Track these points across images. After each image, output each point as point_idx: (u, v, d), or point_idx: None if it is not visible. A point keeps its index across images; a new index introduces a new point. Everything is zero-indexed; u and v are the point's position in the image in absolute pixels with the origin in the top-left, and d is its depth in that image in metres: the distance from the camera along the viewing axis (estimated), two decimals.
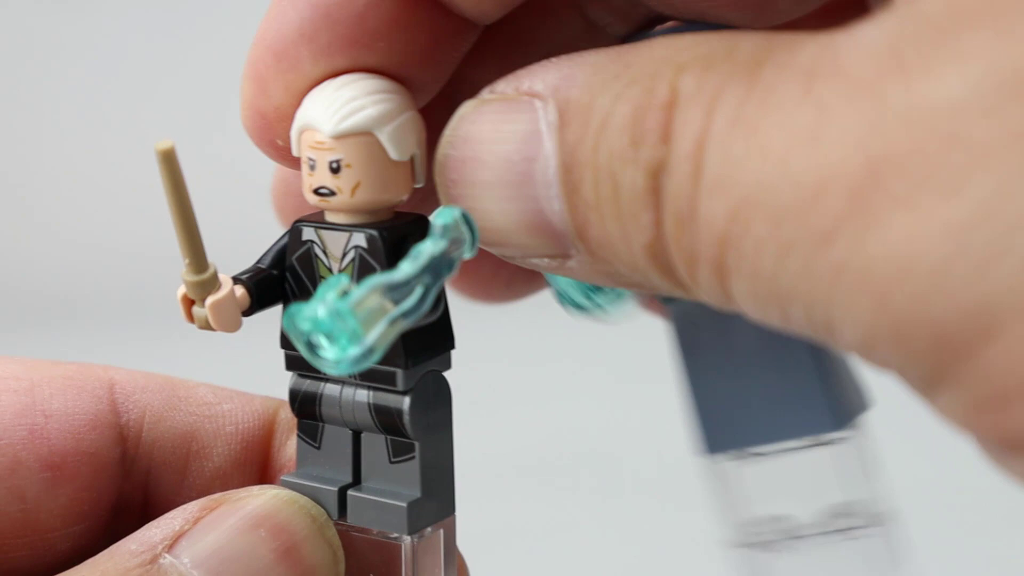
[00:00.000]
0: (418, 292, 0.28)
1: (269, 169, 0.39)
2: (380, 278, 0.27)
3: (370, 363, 0.27)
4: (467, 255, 0.29)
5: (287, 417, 0.34)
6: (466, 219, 0.28)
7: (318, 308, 0.27)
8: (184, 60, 1.34)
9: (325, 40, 0.30)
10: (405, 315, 0.27)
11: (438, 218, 0.28)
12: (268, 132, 0.31)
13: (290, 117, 0.30)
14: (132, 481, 0.33)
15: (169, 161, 0.28)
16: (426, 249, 0.28)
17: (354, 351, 0.27)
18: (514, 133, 0.27)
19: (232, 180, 1.18)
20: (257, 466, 0.34)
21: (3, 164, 1.39)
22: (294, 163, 0.31)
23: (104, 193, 1.34)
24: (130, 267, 1.26)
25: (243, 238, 0.33)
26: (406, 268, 0.28)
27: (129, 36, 1.38)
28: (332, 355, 0.27)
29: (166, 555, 0.29)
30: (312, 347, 0.27)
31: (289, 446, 0.34)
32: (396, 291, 0.27)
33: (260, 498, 0.31)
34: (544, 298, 0.36)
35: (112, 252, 1.31)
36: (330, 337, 0.27)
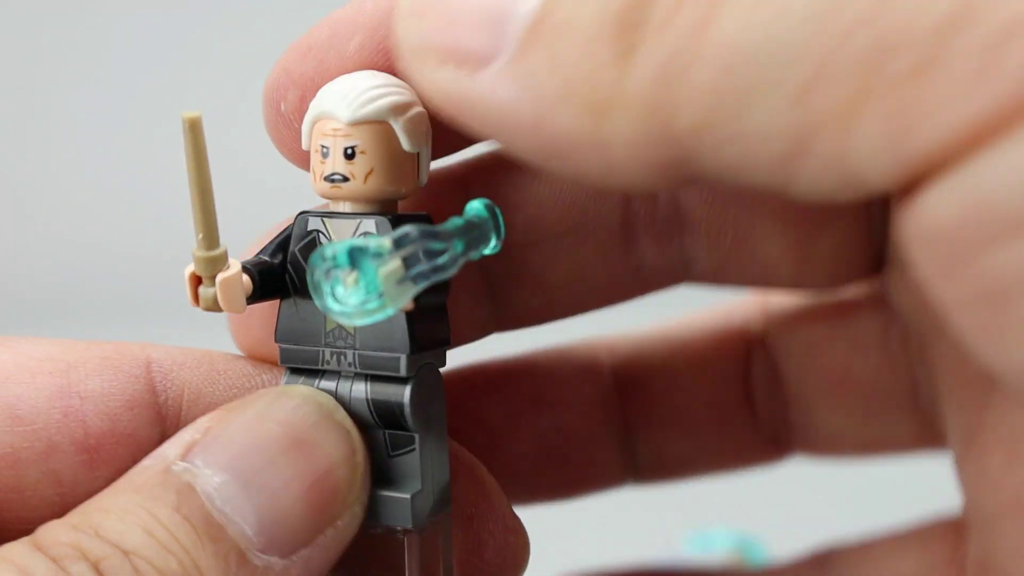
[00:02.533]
0: (445, 256, 0.28)
1: (274, 171, 0.38)
2: (418, 227, 0.28)
3: (383, 315, 0.27)
4: (488, 251, 0.30)
5: None
6: (494, 212, 0.30)
7: (345, 247, 0.27)
8: (186, 60, 1.34)
9: (382, 35, 0.30)
10: (424, 275, 0.28)
11: (470, 208, 0.30)
12: (281, 91, 0.32)
13: (303, 87, 0.31)
14: None
15: (195, 131, 0.28)
16: (463, 219, 0.29)
17: (370, 301, 0.27)
18: None
19: (233, 182, 1.18)
20: None
21: (3, 164, 1.39)
22: (286, 133, 0.32)
23: (103, 193, 1.34)
24: (129, 267, 1.25)
25: (248, 239, 0.32)
26: (443, 225, 0.29)
27: (131, 36, 1.38)
28: (352, 299, 0.27)
29: (179, 462, 0.29)
30: (332, 293, 0.27)
31: None
32: (429, 240, 0.28)
33: (265, 397, 0.31)
34: None
35: (111, 252, 1.31)
36: (348, 279, 0.27)
